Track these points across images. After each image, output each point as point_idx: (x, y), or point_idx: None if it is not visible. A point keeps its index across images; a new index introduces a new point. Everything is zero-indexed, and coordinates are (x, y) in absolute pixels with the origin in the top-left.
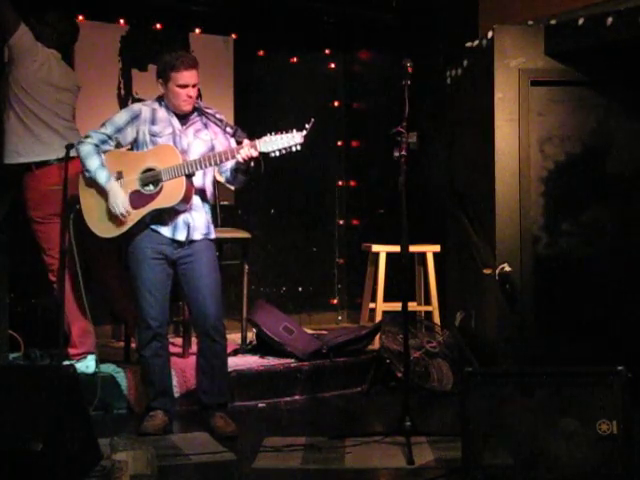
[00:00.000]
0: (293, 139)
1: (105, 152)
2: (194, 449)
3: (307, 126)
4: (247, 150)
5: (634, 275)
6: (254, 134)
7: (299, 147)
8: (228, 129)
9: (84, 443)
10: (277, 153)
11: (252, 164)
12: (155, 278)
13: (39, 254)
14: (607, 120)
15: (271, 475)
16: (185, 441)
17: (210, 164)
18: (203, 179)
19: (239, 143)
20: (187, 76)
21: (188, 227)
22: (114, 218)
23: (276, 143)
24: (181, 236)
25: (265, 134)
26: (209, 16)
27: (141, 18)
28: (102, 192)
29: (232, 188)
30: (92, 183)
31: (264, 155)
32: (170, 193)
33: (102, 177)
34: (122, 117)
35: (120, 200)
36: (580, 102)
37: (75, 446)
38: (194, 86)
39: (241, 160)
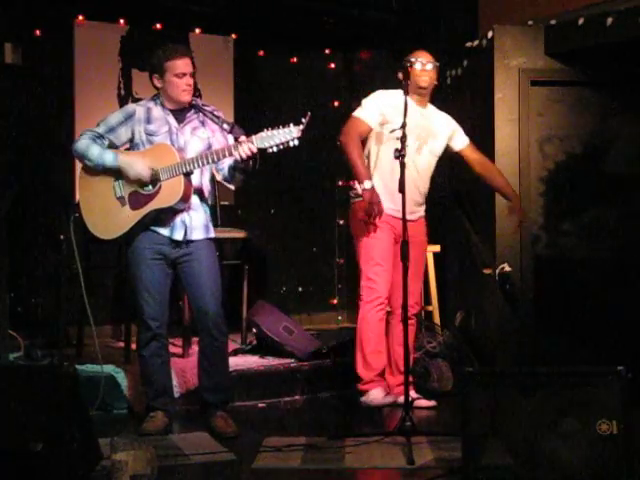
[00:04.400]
0: (290, 133)
1: None
2: (194, 449)
3: (304, 120)
4: (244, 146)
5: (634, 275)
6: (253, 133)
7: (296, 142)
8: (225, 126)
9: (84, 443)
10: (274, 148)
11: (250, 162)
12: (154, 278)
13: None
14: (607, 120)
15: (271, 475)
16: (185, 441)
17: (208, 162)
18: (200, 178)
19: (236, 140)
20: (183, 64)
21: (186, 227)
22: (113, 220)
23: (273, 138)
24: (178, 236)
25: (262, 130)
26: (209, 16)
27: (141, 18)
28: (102, 192)
29: (231, 187)
30: (90, 184)
31: (261, 151)
32: (169, 192)
33: (109, 158)
34: (115, 117)
35: (138, 165)
36: (580, 102)
37: (75, 446)
38: (191, 75)
39: (238, 157)
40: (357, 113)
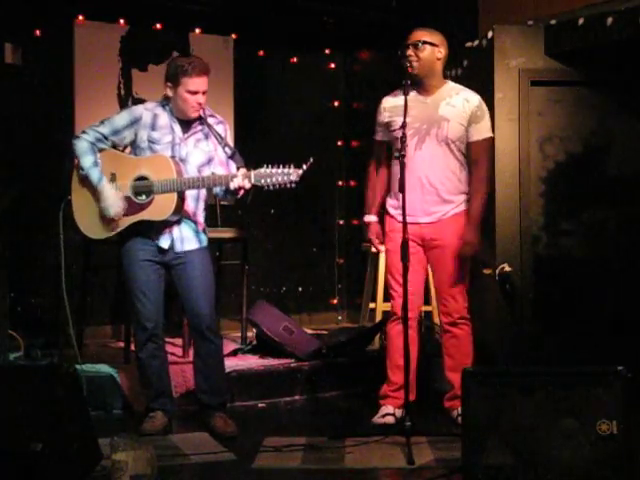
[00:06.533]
0: (289, 176)
1: (100, 150)
2: (194, 449)
3: (304, 166)
4: (240, 180)
5: (634, 275)
6: (254, 135)
7: (294, 185)
8: (227, 149)
9: (84, 443)
10: (270, 187)
11: (242, 192)
12: (148, 279)
13: None
14: (607, 120)
15: (271, 475)
16: (185, 441)
17: (203, 186)
18: (198, 191)
19: (237, 165)
20: (198, 83)
21: (172, 237)
22: (103, 220)
23: (271, 178)
24: (165, 244)
25: (262, 166)
26: (209, 16)
27: (141, 18)
28: (93, 193)
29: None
30: (84, 182)
31: (257, 186)
32: (161, 207)
33: (94, 176)
34: (122, 120)
35: (111, 202)
36: (580, 102)
37: (75, 446)
38: (204, 93)
39: (233, 189)
40: (374, 135)
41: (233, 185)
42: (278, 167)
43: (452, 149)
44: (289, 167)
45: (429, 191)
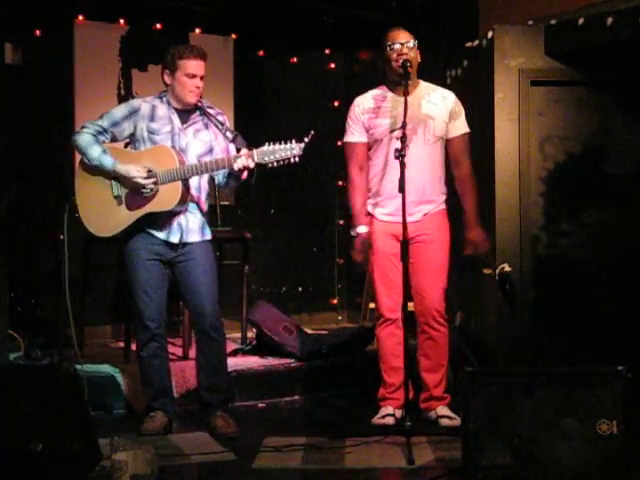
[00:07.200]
0: (291, 150)
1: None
2: (194, 449)
3: (306, 139)
4: (244, 160)
5: (634, 275)
6: (254, 134)
7: (297, 159)
8: (228, 134)
9: (84, 443)
10: (275, 164)
11: (246, 173)
12: (151, 279)
13: None
14: (607, 120)
15: (271, 475)
16: (185, 441)
17: (206, 170)
18: (199, 179)
19: (237, 150)
20: (196, 65)
21: (182, 229)
22: (109, 218)
23: (274, 154)
24: (174, 239)
25: (263, 144)
26: (209, 16)
27: (141, 18)
28: (99, 189)
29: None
30: (88, 179)
31: (261, 165)
32: (166, 197)
33: (108, 162)
34: (120, 111)
35: (134, 173)
36: (580, 102)
37: (75, 446)
38: (201, 78)
39: (237, 170)
40: (345, 138)
41: (237, 165)
42: (280, 143)
43: (439, 147)
44: (291, 142)
45: (414, 191)
